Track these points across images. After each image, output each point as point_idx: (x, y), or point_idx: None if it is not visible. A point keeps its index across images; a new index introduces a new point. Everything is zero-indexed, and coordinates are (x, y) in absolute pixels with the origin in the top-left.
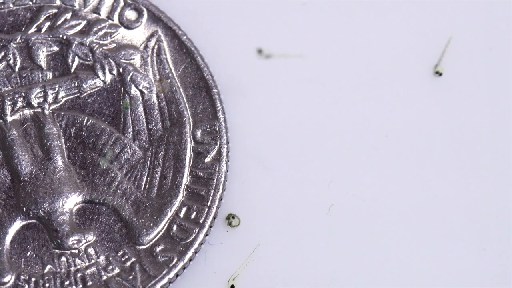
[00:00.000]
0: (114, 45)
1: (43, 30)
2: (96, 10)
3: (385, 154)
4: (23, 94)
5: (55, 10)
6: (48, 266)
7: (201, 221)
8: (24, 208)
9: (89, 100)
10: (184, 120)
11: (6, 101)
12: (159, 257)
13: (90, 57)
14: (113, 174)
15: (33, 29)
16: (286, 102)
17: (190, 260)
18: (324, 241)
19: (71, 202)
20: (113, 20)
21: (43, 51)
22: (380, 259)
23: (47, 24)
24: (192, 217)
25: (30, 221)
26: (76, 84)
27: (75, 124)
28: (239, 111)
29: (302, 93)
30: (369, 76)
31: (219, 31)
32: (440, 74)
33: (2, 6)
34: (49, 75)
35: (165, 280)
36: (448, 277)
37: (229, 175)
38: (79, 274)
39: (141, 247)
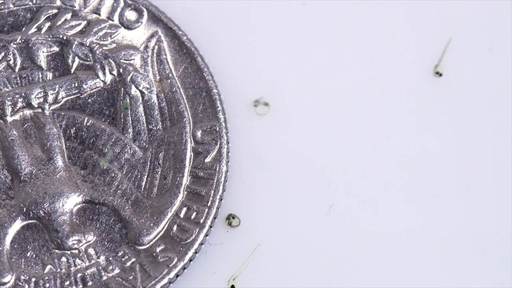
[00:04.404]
0: (114, 45)
1: (43, 31)
2: (96, 10)
3: (385, 154)
4: (23, 94)
5: (55, 11)
6: (48, 266)
7: (201, 221)
8: (24, 209)
9: (89, 100)
10: (184, 121)
11: (6, 102)
12: (159, 257)
13: (90, 58)
14: (113, 174)
15: (33, 30)
16: (286, 102)
17: (190, 260)
18: (324, 241)
19: (71, 202)
20: (113, 21)
21: (43, 52)
22: (380, 259)
23: (47, 24)
24: (192, 217)
25: (30, 221)
26: (76, 85)
27: (75, 124)
28: (239, 111)
29: (302, 93)
30: (369, 76)
31: (219, 32)
32: (440, 75)
33: (2, 7)
34: (49, 75)
35: (165, 280)
36: (449, 277)
37: (229, 175)
38: (79, 274)
39: (141, 247)
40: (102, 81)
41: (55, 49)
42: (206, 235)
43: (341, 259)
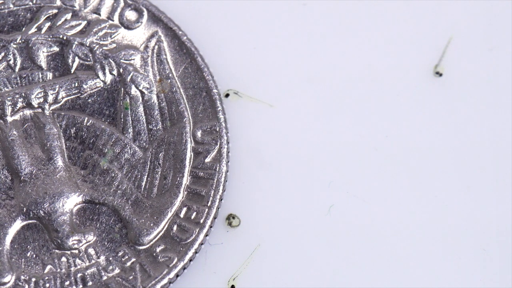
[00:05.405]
0: (114, 45)
1: (43, 31)
2: (96, 10)
3: (385, 155)
4: (23, 94)
5: (55, 11)
6: (48, 266)
7: (201, 221)
8: (24, 209)
9: (89, 100)
10: (184, 121)
11: (6, 102)
12: (159, 257)
13: (90, 58)
14: (113, 174)
15: (33, 30)
16: (287, 102)
17: (190, 260)
18: (324, 241)
19: (71, 202)
20: (113, 21)
21: (43, 52)
22: (380, 259)
23: (47, 24)
24: (192, 217)
25: (31, 221)
26: (76, 85)
27: (75, 124)
28: (239, 111)
29: (302, 93)
30: (370, 76)
31: (219, 31)
32: (440, 75)
33: (2, 7)
34: (49, 75)
35: (165, 280)
36: (448, 277)
37: (229, 175)
38: (79, 274)
39: (141, 247)
40: (102, 81)
41: (55, 49)
42: (206, 235)
43: (341, 259)
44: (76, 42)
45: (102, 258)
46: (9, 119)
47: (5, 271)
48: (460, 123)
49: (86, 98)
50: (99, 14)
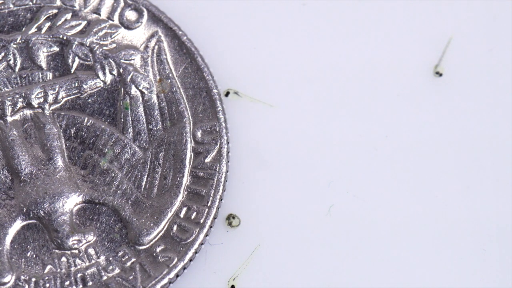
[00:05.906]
0: (114, 45)
1: (43, 31)
2: (96, 10)
3: (385, 155)
4: (23, 94)
5: (55, 11)
6: (49, 266)
7: (201, 221)
8: (25, 209)
9: (89, 100)
10: (184, 121)
11: (6, 102)
12: (159, 257)
13: (90, 58)
14: (113, 174)
15: (33, 30)
16: (287, 102)
17: (190, 260)
18: (324, 241)
19: (71, 202)
20: (113, 21)
21: (43, 52)
22: (380, 259)
23: (47, 24)
24: (192, 217)
25: (31, 221)
26: (76, 85)
27: (75, 124)
28: (239, 111)
29: (302, 93)
30: (370, 76)
31: (219, 32)
32: (440, 75)
33: (2, 7)
34: (49, 75)
35: (165, 280)
36: (448, 277)
37: (229, 175)
38: (79, 274)
39: (141, 247)
40: (102, 81)
41: (55, 49)
42: (206, 235)
43: (341, 259)
44: (76, 42)
45: (102, 258)
46: (9, 119)
47: (5, 271)
48: (460, 123)
49: (86, 98)
50: (99, 14)
